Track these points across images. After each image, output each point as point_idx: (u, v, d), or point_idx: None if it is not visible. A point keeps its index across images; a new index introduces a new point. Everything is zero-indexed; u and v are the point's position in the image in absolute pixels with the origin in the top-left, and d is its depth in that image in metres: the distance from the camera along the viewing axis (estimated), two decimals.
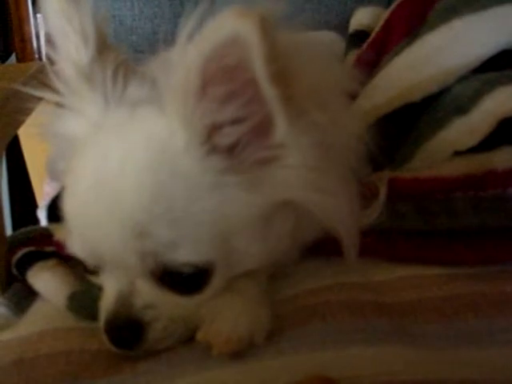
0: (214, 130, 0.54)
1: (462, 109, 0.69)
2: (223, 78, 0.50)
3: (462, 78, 0.73)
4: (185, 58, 0.52)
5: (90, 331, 0.61)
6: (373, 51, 0.90)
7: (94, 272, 0.61)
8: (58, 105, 0.65)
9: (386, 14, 0.95)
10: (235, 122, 0.53)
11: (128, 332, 0.57)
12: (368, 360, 0.51)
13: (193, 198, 0.55)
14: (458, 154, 0.66)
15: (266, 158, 0.55)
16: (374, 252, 0.64)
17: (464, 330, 0.54)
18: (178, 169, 0.55)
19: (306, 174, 0.54)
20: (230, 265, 0.58)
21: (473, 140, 0.65)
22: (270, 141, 0.54)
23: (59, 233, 0.73)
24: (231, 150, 0.55)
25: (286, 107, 0.51)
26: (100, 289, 0.61)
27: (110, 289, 0.59)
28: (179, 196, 0.55)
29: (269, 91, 0.50)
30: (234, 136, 0.54)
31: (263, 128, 0.53)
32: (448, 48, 0.75)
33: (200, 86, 0.51)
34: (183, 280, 0.57)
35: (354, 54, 0.99)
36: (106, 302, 0.59)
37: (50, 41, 0.63)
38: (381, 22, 0.94)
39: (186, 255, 0.55)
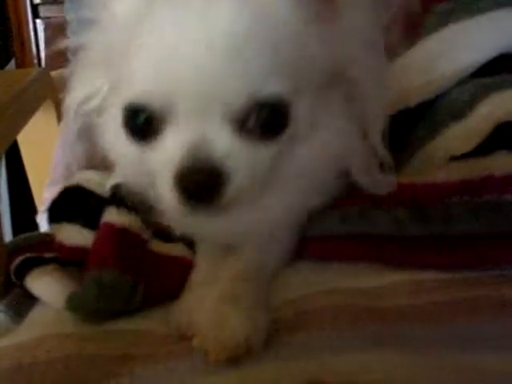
0: None
1: (459, 114, 0.69)
2: None
3: (459, 83, 0.73)
4: None
5: (88, 336, 0.61)
6: None
7: (145, 133, 0.58)
8: None
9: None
10: None
11: (208, 183, 0.54)
12: (365, 366, 0.51)
13: (286, 35, 0.57)
14: (454, 159, 0.66)
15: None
16: (368, 257, 0.64)
17: (461, 335, 0.53)
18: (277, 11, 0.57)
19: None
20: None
21: (469, 145, 0.65)
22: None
23: (61, 234, 0.73)
24: None
25: None
26: (100, 287, 0.61)
27: (177, 142, 0.56)
28: (275, 30, 0.57)
29: None
30: None
31: None
32: (445, 53, 0.75)
33: None
34: (263, 123, 0.56)
35: None
36: (174, 154, 0.55)
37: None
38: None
39: (274, 85, 0.55)
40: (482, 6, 0.76)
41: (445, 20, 0.78)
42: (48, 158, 1.05)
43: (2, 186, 1.47)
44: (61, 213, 0.76)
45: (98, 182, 0.76)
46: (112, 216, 0.71)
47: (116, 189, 0.72)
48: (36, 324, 0.66)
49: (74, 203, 0.76)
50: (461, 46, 0.74)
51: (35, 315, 0.68)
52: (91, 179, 0.77)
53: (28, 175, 1.16)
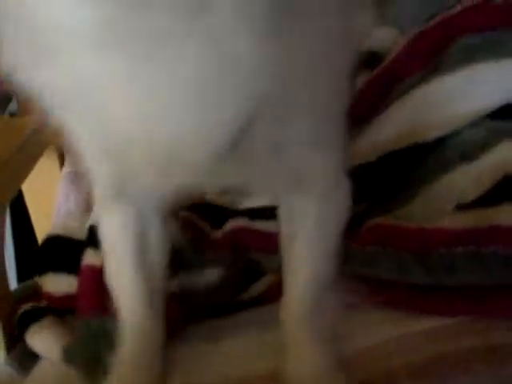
0: None
1: (469, 156, 0.68)
2: None
3: (472, 123, 0.72)
4: None
5: None
6: (385, 78, 0.87)
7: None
8: None
9: (402, 40, 0.91)
10: None
11: None
12: None
13: None
14: (460, 206, 0.65)
15: None
16: (371, 299, 0.63)
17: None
18: None
19: None
20: None
21: (476, 191, 0.64)
22: None
23: (47, 285, 0.73)
24: None
25: None
26: (88, 335, 0.60)
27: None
28: None
29: None
30: None
31: None
32: (465, 92, 0.74)
33: None
34: None
35: (365, 76, 0.94)
36: None
37: None
38: (396, 49, 0.90)
39: None
40: (507, 49, 0.75)
41: (469, 56, 0.76)
42: (53, 204, 1.05)
43: (6, 235, 1.47)
44: (46, 262, 0.76)
45: (77, 226, 0.76)
46: (90, 258, 0.71)
47: (92, 230, 0.72)
48: (42, 378, 0.66)
49: (56, 252, 0.76)
50: (482, 88, 0.73)
51: (41, 368, 0.68)
52: (68, 226, 0.77)
53: (33, 223, 1.16)
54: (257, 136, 0.44)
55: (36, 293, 0.77)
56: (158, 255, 0.61)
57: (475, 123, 0.72)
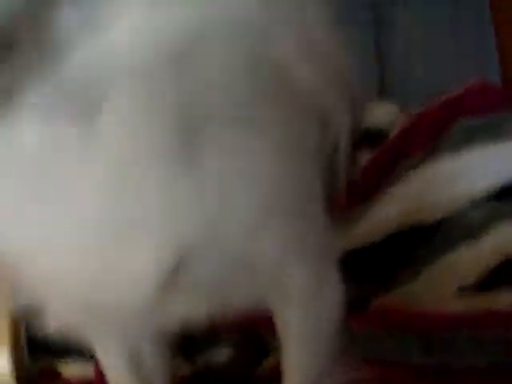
0: None
1: (470, 237, 0.69)
2: None
3: (474, 204, 0.73)
4: None
5: None
6: (388, 157, 0.89)
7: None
8: None
9: (403, 118, 0.95)
10: None
11: None
12: None
13: None
14: (462, 289, 0.66)
15: None
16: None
17: None
18: None
19: None
20: None
21: (478, 273, 0.65)
22: None
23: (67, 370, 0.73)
24: None
25: None
26: None
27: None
28: None
29: None
30: None
31: None
32: (466, 173, 0.76)
33: None
34: None
35: (368, 154, 0.96)
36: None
37: None
38: (399, 128, 0.93)
39: None
40: (506, 131, 0.77)
41: (469, 138, 0.78)
42: None
43: None
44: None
45: None
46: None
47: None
48: None
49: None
50: (483, 169, 0.76)
51: None
52: None
53: None
54: (206, 263, 0.37)
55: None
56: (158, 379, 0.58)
57: (476, 204, 0.73)
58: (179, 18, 0.32)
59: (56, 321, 0.38)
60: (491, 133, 0.78)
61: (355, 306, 0.66)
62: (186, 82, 0.32)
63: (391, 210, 0.78)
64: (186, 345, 0.65)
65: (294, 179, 0.40)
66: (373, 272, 0.74)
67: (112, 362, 0.53)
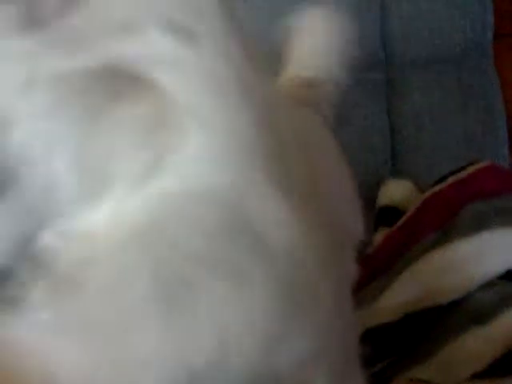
0: None
1: (481, 319, 0.71)
2: None
3: (484, 286, 0.75)
4: None
5: None
6: (402, 236, 0.92)
7: None
8: None
9: (418, 197, 0.97)
10: None
11: None
12: None
13: None
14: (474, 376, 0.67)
15: None
16: None
17: None
18: None
19: None
20: None
21: (489, 356, 0.67)
22: None
23: None
24: None
25: None
26: None
27: None
28: None
29: None
30: None
31: None
32: (477, 257, 0.78)
33: None
34: None
35: (382, 232, 1.00)
36: None
37: None
38: (412, 208, 0.95)
39: None
40: None
41: (479, 223, 0.81)
42: None
43: None
44: None
45: None
46: None
47: None
48: None
49: None
50: (492, 254, 0.78)
51: None
52: None
53: None
54: None
55: None
56: None
57: (486, 286, 0.75)
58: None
59: None
60: (501, 217, 0.81)
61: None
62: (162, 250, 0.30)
63: (406, 293, 0.80)
64: None
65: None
66: (391, 350, 0.76)
67: None
